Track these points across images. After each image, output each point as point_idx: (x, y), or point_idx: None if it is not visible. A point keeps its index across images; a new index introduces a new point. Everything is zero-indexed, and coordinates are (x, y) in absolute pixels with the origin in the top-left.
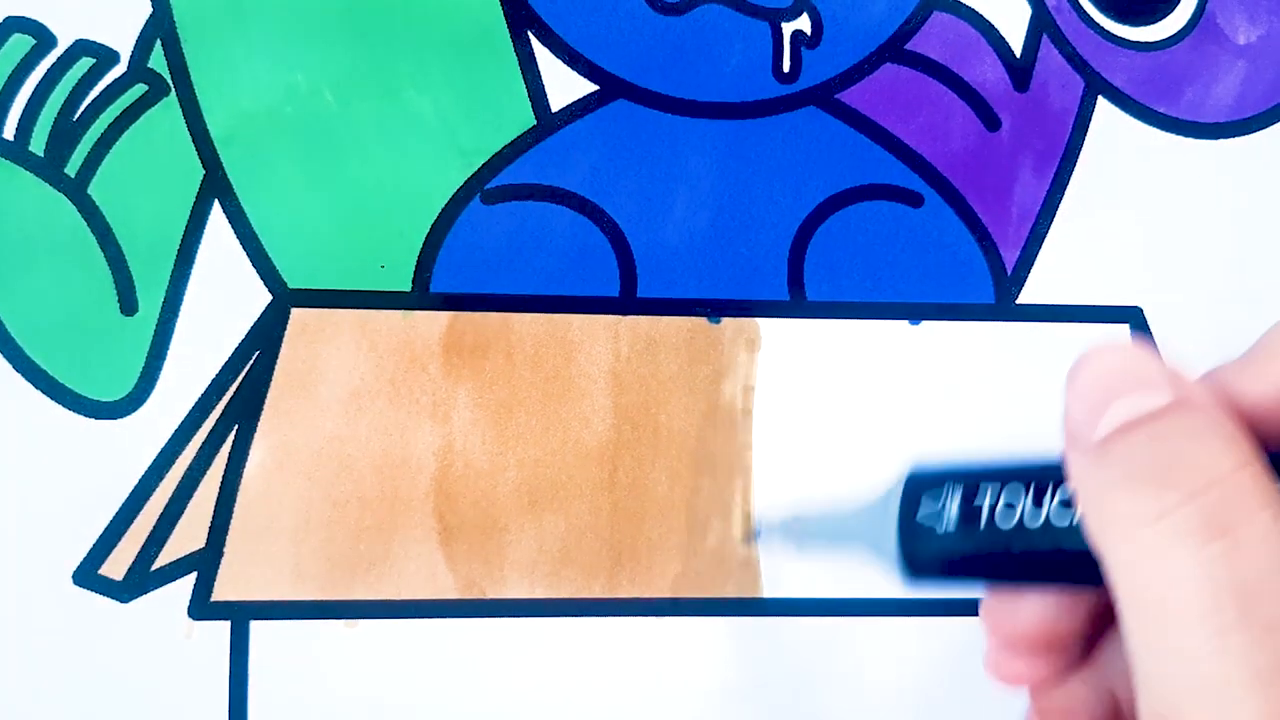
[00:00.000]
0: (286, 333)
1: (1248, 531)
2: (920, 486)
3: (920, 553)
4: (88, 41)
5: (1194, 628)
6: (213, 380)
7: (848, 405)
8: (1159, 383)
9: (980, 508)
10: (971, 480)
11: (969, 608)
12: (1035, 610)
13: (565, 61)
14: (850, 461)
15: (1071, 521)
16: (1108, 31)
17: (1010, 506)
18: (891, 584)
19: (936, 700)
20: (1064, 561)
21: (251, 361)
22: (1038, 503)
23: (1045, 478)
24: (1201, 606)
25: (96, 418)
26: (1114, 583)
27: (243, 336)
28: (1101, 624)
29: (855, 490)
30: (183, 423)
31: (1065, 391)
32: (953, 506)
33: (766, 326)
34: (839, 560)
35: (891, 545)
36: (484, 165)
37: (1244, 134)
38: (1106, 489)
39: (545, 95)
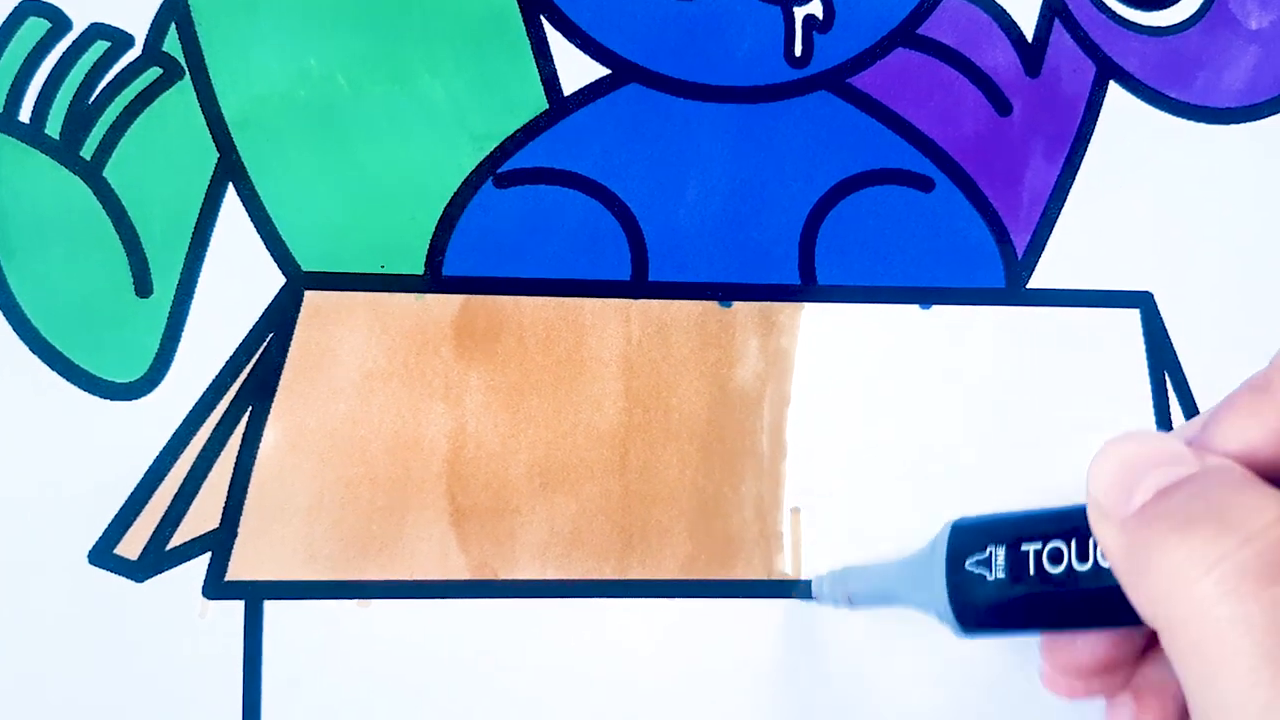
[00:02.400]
0: (300, 315)
1: None
2: (964, 544)
3: (971, 609)
4: (103, 25)
5: (1260, 675)
6: (227, 362)
7: (857, 389)
8: (1184, 457)
9: (1026, 564)
10: (1015, 538)
11: None
12: (1090, 644)
13: (577, 45)
14: (861, 447)
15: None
16: (1119, 16)
17: (1056, 558)
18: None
19: (949, 682)
20: (1117, 602)
21: (265, 344)
22: (1082, 555)
23: (1087, 528)
24: (1269, 651)
25: (111, 399)
26: (1168, 644)
27: (257, 319)
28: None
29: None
30: (197, 404)
31: (1089, 482)
32: (998, 565)
33: (778, 310)
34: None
35: (942, 600)
36: (496, 149)
37: (1255, 119)
38: (1154, 546)
39: (558, 79)
